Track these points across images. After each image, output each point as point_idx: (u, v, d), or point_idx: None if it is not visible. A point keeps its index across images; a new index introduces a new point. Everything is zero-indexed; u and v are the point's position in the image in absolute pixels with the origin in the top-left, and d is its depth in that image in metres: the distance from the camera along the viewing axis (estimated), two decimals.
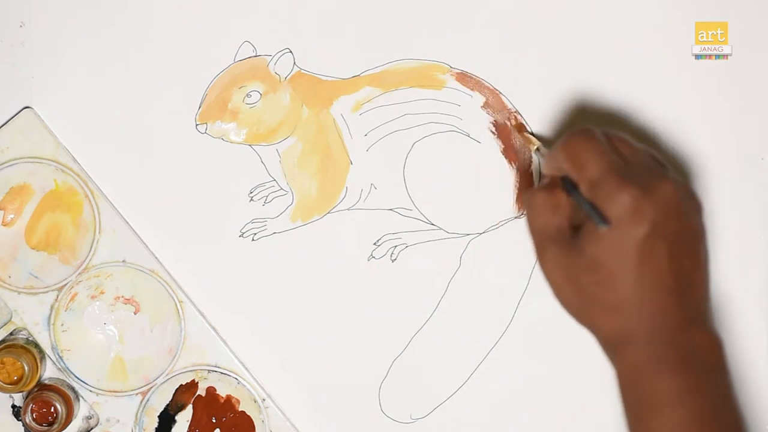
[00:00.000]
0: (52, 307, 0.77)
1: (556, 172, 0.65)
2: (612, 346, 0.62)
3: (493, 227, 0.77)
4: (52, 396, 0.75)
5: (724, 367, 0.61)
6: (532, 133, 0.76)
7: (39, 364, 0.76)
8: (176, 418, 0.77)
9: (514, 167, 0.77)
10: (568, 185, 0.64)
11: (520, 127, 0.76)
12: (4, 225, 0.76)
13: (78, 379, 0.77)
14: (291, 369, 0.78)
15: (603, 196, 0.61)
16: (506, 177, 0.77)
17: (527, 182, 0.77)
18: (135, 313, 0.77)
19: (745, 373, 0.77)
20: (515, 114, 0.77)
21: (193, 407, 0.77)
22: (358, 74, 0.77)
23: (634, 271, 0.60)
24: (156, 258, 0.77)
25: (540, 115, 0.77)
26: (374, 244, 0.77)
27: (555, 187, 0.65)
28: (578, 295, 0.62)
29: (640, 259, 0.60)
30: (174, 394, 0.77)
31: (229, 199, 0.77)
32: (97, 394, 0.77)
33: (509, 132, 0.77)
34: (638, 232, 0.60)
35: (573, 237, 0.62)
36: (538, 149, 0.74)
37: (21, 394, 0.77)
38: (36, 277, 0.77)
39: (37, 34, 0.77)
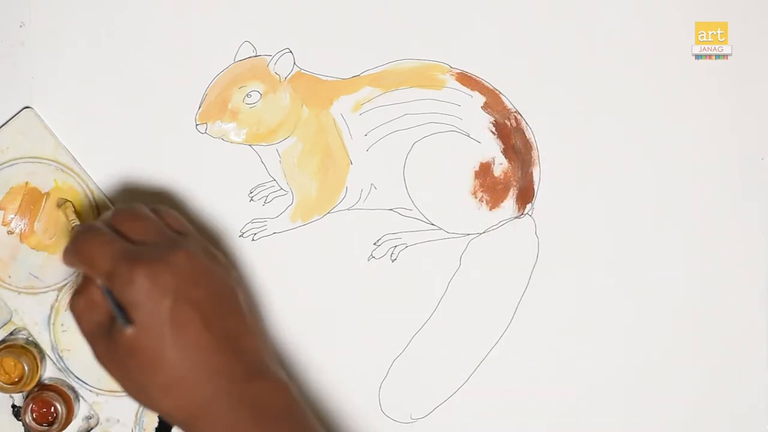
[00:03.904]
0: (52, 307, 0.77)
1: (77, 265, 0.65)
2: (186, 425, 0.62)
3: (493, 227, 0.77)
4: (52, 396, 0.75)
5: (297, 407, 0.63)
6: (74, 210, 0.75)
7: (39, 364, 0.76)
8: None
9: (515, 167, 0.77)
10: (103, 287, 0.64)
11: (61, 201, 0.75)
12: (4, 225, 0.76)
13: (78, 379, 0.77)
14: (291, 369, 0.78)
15: (120, 284, 0.61)
16: (506, 177, 0.77)
17: (527, 182, 0.77)
18: None
19: (745, 373, 0.77)
20: (515, 114, 0.77)
21: None
22: (358, 74, 0.77)
23: (173, 345, 0.60)
24: None
25: (540, 115, 0.77)
26: (374, 244, 0.77)
27: (88, 285, 0.64)
28: (134, 383, 0.62)
29: (174, 331, 0.60)
30: None
31: (229, 199, 0.77)
32: (97, 394, 0.77)
33: (509, 132, 0.77)
34: (163, 306, 0.60)
35: (114, 327, 0.62)
36: (74, 228, 0.72)
37: (21, 394, 0.77)
38: (36, 277, 0.77)
39: (37, 34, 0.77)
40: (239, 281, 0.65)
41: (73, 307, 0.65)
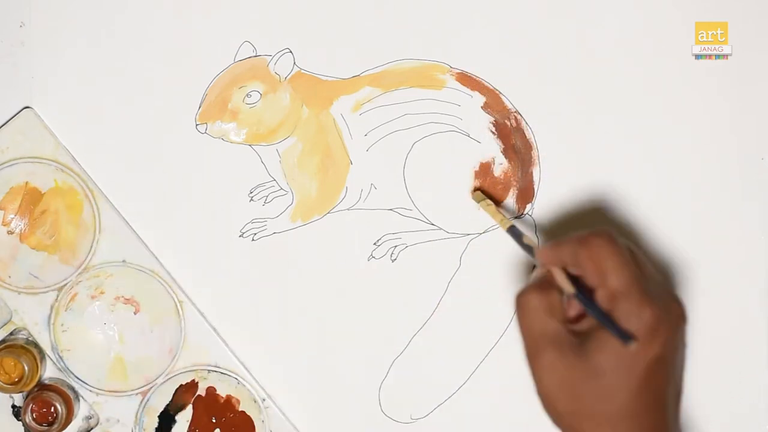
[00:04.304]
0: (52, 307, 0.77)
1: (558, 263, 0.64)
2: None
3: (493, 227, 0.77)
4: (52, 396, 0.75)
5: None
6: (499, 211, 0.75)
7: (39, 364, 0.76)
8: (176, 418, 0.78)
9: (515, 167, 0.77)
10: (580, 296, 0.62)
11: (479, 197, 0.75)
12: (4, 225, 0.76)
13: (78, 379, 0.77)
14: (291, 369, 0.78)
15: (625, 310, 0.60)
16: (506, 177, 0.77)
17: (527, 182, 0.77)
18: (135, 313, 0.77)
19: (745, 373, 0.77)
20: (515, 114, 0.77)
21: (193, 407, 0.77)
22: (358, 74, 0.77)
23: (636, 389, 0.60)
24: (156, 258, 0.77)
25: (540, 115, 0.77)
26: (374, 244, 0.77)
27: (549, 287, 0.63)
28: (572, 402, 0.61)
29: (645, 378, 0.59)
30: (174, 394, 0.77)
31: (229, 199, 0.77)
32: (97, 394, 0.77)
33: (509, 132, 0.77)
34: (651, 352, 0.59)
35: (573, 341, 0.61)
36: (512, 227, 0.72)
37: (21, 394, 0.77)
38: (36, 277, 0.77)
39: (37, 34, 0.77)
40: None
41: (529, 301, 0.63)
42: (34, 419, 0.75)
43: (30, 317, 0.77)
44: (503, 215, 0.74)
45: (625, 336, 0.59)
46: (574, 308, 0.64)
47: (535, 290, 0.63)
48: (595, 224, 0.77)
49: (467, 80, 0.77)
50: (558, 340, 0.62)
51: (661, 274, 0.64)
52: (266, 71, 0.76)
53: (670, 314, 0.61)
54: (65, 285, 0.77)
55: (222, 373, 0.77)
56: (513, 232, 0.71)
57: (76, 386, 0.77)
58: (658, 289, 0.62)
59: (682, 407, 0.67)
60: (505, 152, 0.77)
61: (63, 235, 0.76)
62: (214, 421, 0.77)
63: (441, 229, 0.77)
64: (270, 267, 0.77)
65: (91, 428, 0.78)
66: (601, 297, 0.61)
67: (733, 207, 0.77)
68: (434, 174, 0.77)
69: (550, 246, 0.65)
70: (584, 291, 0.62)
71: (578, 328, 0.63)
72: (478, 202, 0.76)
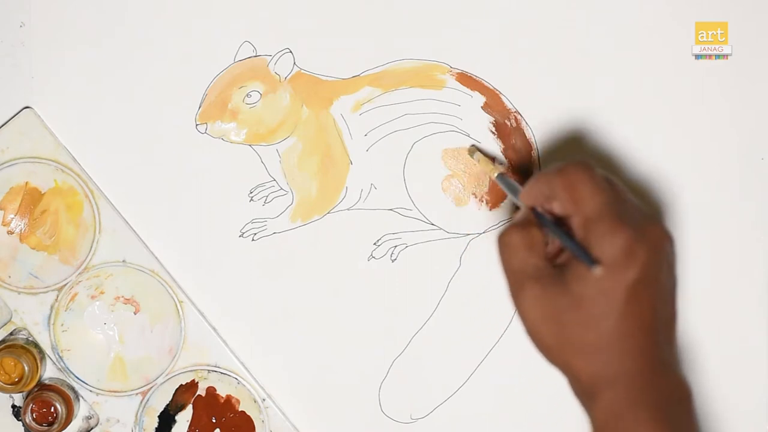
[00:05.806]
0: (52, 307, 0.77)
1: (542, 200, 0.64)
2: (588, 391, 0.61)
3: (493, 227, 0.77)
4: (52, 396, 0.75)
5: (695, 414, 0.61)
6: (492, 158, 0.76)
7: (39, 364, 0.76)
8: (176, 418, 0.78)
9: (515, 167, 0.77)
10: (546, 222, 0.62)
11: (472, 150, 0.76)
12: (3, 225, 0.76)
13: (78, 379, 0.77)
14: (291, 369, 0.78)
15: (598, 234, 0.60)
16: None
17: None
18: (135, 313, 0.77)
19: (745, 373, 0.77)
20: (515, 114, 0.77)
21: (193, 407, 0.77)
22: (358, 74, 0.77)
23: (619, 314, 0.59)
24: (156, 258, 0.77)
25: (540, 115, 0.77)
26: (374, 244, 0.77)
27: (529, 225, 0.63)
28: (558, 334, 0.61)
29: (626, 302, 0.59)
30: (174, 394, 0.77)
31: (229, 199, 0.77)
32: (97, 394, 0.77)
33: (509, 132, 0.77)
34: (629, 275, 0.59)
35: (554, 274, 0.61)
36: (500, 175, 0.72)
37: (21, 394, 0.77)
38: (36, 277, 0.77)
39: (37, 34, 0.77)
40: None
41: (509, 239, 0.63)
42: (34, 419, 0.75)
43: (30, 317, 0.77)
44: (494, 165, 0.74)
45: (591, 260, 0.59)
46: (556, 243, 0.63)
47: (514, 228, 0.63)
48: None
49: (467, 80, 0.77)
50: (538, 274, 0.61)
51: (645, 205, 0.64)
52: (266, 71, 0.76)
53: (647, 236, 0.60)
54: (65, 285, 0.77)
55: (222, 373, 0.77)
56: (501, 179, 0.72)
57: (76, 386, 0.77)
58: (636, 214, 0.61)
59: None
60: (505, 152, 0.77)
61: (63, 235, 0.76)
62: (214, 421, 0.77)
63: (441, 229, 0.77)
64: (270, 267, 0.77)
65: (91, 428, 0.78)
66: (576, 224, 0.61)
67: (733, 207, 0.77)
68: (434, 174, 0.77)
69: (530, 182, 0.65)
70: (564, 224, 0.62)
71: (561, 262, 0.63)
72: (472, 155, 0.76)
